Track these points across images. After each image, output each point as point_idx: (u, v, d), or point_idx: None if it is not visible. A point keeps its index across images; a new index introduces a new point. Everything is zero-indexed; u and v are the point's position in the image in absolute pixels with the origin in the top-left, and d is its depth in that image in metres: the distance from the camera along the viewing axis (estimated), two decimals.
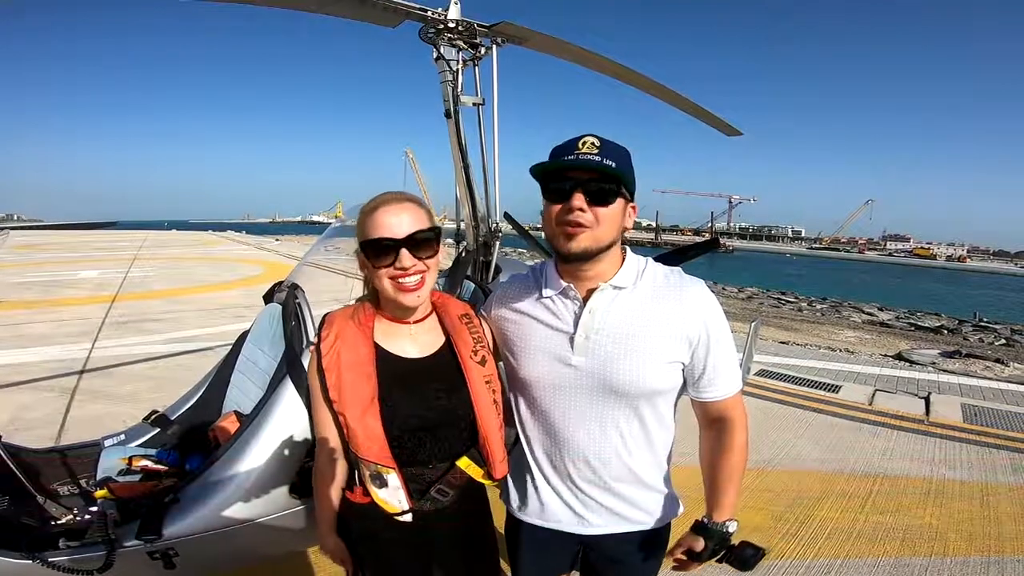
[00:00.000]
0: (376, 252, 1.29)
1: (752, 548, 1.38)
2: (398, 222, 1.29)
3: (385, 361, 1.35)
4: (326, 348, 1.33)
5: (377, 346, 1.37)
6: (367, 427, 1.29)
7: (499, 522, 1.62)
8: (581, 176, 1.25)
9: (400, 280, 1.30)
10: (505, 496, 1.57)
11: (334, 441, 1.38)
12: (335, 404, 1.31)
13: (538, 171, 1.30)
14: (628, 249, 1.41)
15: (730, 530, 1.38)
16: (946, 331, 16.55)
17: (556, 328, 1.37)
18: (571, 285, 1.36)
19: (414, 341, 1.41)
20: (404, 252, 1.28)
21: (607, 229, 1.28)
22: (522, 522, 1.52)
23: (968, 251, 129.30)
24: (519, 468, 1.53)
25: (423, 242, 1.31)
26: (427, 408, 1.34)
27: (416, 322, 1.41)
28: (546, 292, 1.40)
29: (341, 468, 1.41)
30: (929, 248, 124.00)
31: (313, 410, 1.40)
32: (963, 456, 4.46)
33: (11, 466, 2.00)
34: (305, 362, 1.88)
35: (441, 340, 1.43)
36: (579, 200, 1.24)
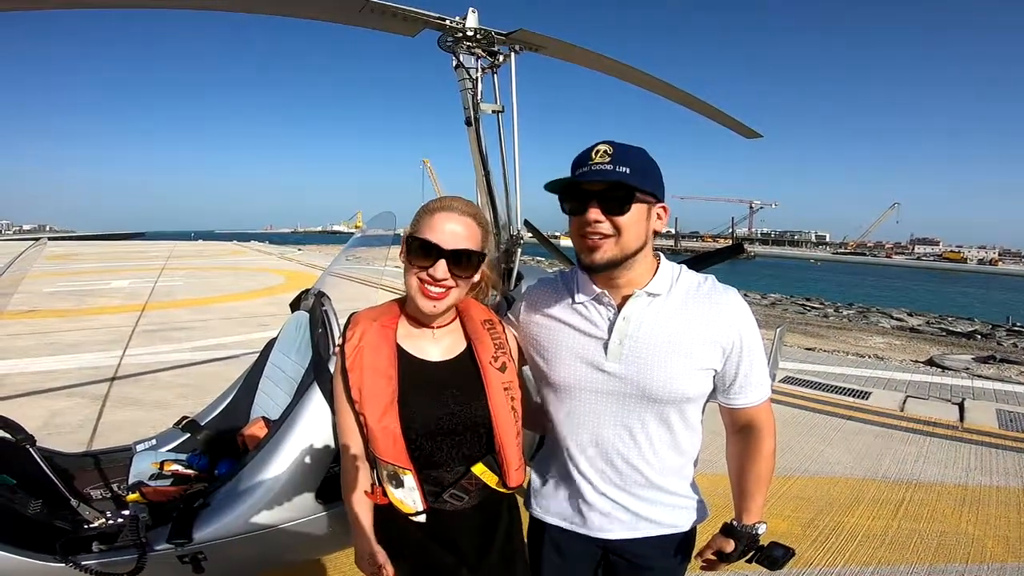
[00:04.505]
0: (418, 251, 1.31)
1: (781, 548, 1.41)
2: (452, 233, 1.30)
3: (406, 363, 1.36)
4: (350, 349, 1.35)
5: (399, 347, 1.38)
6: (386, 428, 1.30)
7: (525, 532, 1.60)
8: (593, 188, 1.24)
9: (426, 285, 1.31)
10: (528, 498, 1.56)
11: (357, 446, 1.38)
12: (356, 404, 1.32)
13: (553, 188, 1.31)
14: (662, 256, 1.40)
15: (759, 532, 1.41)
16: (979, 336, 16.10)
17: (589, 334, 1.36)
18: (605, 291, 1.35)
19: (436, 344, 1.41)
20: (442, 263, 1.29)
21: (630, 237, 1.26)
22: (546, 525, 1.51)
23: (1000, 254, 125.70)
24: (545, 471, 1.52)
25: (465, 262, 1.32)
26: (445, 411, 1.34)
27: (440, 327, 1.42)
28: (579, 298, 1.39)
29: (365, 473, 1.40)
30: (960, 252, 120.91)
31: (337, 413, 1.40)
32: (999, 462, 4.33)
33: (46, 469, 2.04)
34: (332, 368, 1.90)
35: (463, 345, 1.43)
36: (595, 212, 1.24)
